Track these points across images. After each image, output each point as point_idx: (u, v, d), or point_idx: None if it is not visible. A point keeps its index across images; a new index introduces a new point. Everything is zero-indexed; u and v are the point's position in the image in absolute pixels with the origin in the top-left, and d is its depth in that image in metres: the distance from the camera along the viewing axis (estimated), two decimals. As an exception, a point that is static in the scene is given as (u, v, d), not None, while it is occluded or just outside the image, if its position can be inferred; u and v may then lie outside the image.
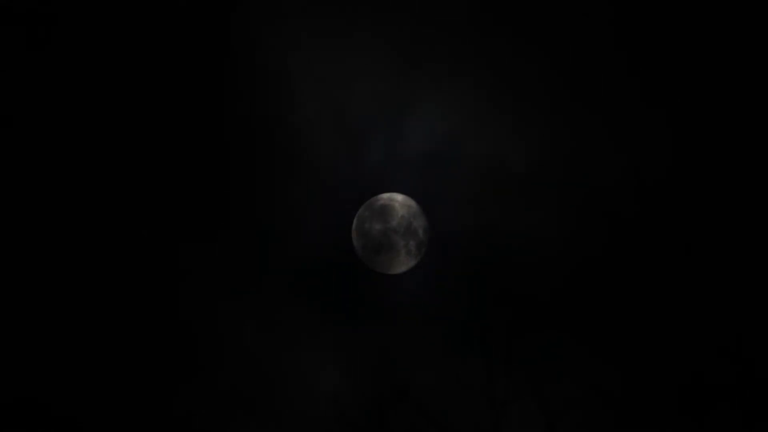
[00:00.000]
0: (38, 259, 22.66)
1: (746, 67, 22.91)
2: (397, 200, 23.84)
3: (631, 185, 22.89)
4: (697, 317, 22.07)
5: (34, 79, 22.95)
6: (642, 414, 21.85)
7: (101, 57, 23.21)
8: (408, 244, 23.67)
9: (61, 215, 22.86)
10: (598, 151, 23.09)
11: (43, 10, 22.96)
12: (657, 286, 22.38)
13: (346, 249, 23.79)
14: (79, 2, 23.07)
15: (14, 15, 22.87)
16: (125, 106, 23.20)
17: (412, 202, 23.82)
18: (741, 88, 22.86)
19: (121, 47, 23.23)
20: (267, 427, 22.39)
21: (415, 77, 23.57)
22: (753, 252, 22.24)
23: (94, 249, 22.89)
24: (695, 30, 23.06)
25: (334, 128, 23.63)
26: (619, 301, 22.41)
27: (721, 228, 22.44)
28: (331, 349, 22.88)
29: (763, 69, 22.84)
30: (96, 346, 22.43)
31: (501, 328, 22.59)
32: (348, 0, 23.50)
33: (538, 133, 23.32)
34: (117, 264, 22.87)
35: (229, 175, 23.53)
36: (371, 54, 23.56)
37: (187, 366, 22.59)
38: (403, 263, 23.74)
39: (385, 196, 23.86)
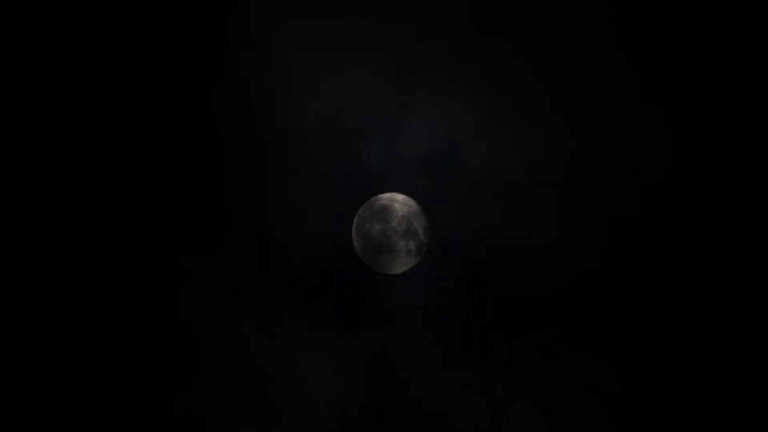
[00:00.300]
0: (38, 259, 22.66)
1: (746, 67, 22.92)
2: (398, 200, 23.83)
3: (631, 186, 22.89)
4: (697, 317, 22.06)
5: (34, 79, 22.95)
6: (642, 414, 21.83)
7: (101, 57, 23.22)
8: (408, 244, 23.67)
9: (61, 215, 22.87)
10: (598, 151, 23.10)
11: (43, 10, 22.95)
12: (657, 287, 22.38)
13: (346, 249, 23.80)
14: (79, 2, 23.07)
15: (14, 15, 22.87)
16: (125, 104, 23.23)
17: (412, 203, 23.81)
18: (741, 88, 22.87)
19: (121, 47, 23.24)
20: (267, 427, 22.38)
21: (415, 77, 23.58)
22: (753, 252, 22.24)
23: (95, 249, 22.90)
24: (695, 30, 23.07)
25: (334, 128, 23.63)
26: (619, 301, 22.40)
27: (721, 228, 22.44)
28: (331, 349, 22.88)
29: (763, 69, 22.84)
30: (96, 346, 22.43)
31: (501, 328, 22.59)
32: (348, 0, 23.51)
33: (538, 134, 23.34)
34: (117, 264, 22.87)
35: (228, 175, 23.54)
36: (371, 54, 23.57)
37: (187, 366, 22.58)
38: (403, 263, 23.74)
39: (385, 196, 23.85)
